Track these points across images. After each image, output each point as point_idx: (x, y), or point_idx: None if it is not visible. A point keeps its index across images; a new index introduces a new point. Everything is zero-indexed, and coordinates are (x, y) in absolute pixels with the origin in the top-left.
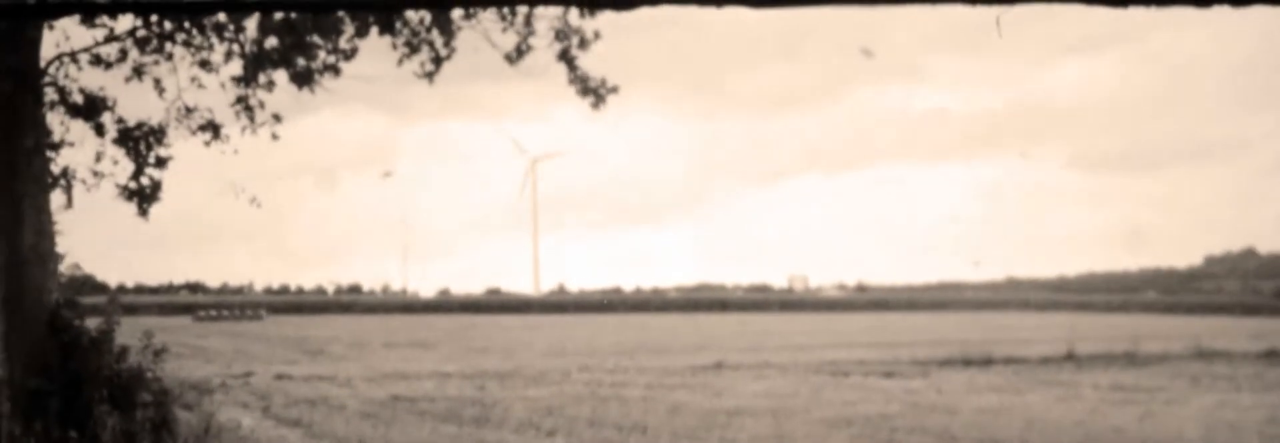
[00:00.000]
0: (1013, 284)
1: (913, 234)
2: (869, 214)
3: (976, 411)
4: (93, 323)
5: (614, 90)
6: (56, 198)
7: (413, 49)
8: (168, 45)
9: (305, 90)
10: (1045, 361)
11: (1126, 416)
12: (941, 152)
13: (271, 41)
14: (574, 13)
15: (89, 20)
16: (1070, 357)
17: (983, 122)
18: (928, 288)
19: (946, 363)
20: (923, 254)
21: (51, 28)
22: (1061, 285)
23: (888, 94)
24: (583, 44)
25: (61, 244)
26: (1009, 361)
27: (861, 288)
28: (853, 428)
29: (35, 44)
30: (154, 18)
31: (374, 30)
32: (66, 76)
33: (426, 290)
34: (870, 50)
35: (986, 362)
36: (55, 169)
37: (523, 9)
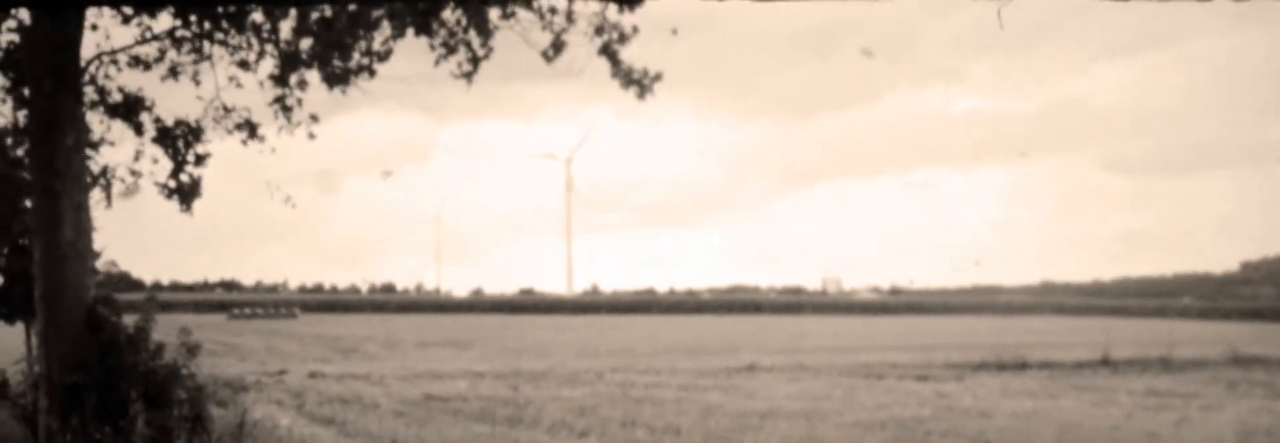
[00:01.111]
0: (1047, 288)
1: (947, 237)
2: (903, 217)
3: (1010, 415)
4: (129, 320)
5: (658, 78)
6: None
7: (450, 49)
8: (205, 45)
9: (340, 90)
10: (1080, 365)
11: (1162, 421)
12: (976, 154)
13: (307, 42)
14: (613, 8)
15: (132, 19)
16: (1105, 362)
17: (1017, 124)
18: (961, 291)
19: (981, 367)
20: (957, 257)
21: (95, 28)
22: (1097, 290)
23: (922, 96)
24: (622, 38)
25: (98, 242)
26: (1043, 365)
27: (895, 291)
28: (886, 431)
29: (75, 44)
30: (192, 17)
31: (410, 31)
32: (106, 76)
33: (460, 290)
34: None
35: (1021, 366)
36: (94, 167)
37: (562, 5)
